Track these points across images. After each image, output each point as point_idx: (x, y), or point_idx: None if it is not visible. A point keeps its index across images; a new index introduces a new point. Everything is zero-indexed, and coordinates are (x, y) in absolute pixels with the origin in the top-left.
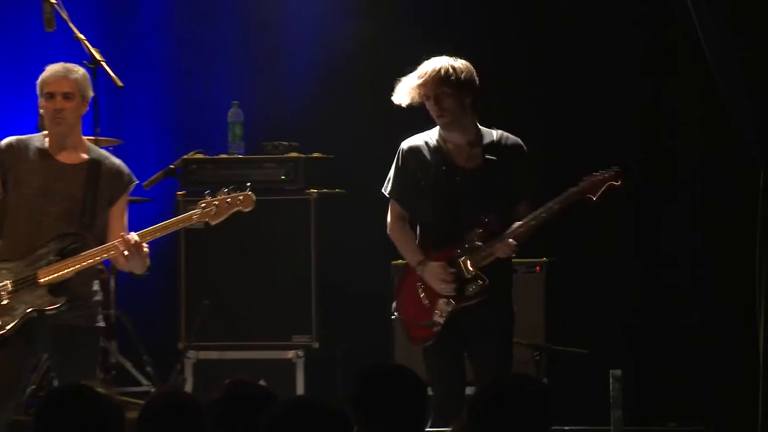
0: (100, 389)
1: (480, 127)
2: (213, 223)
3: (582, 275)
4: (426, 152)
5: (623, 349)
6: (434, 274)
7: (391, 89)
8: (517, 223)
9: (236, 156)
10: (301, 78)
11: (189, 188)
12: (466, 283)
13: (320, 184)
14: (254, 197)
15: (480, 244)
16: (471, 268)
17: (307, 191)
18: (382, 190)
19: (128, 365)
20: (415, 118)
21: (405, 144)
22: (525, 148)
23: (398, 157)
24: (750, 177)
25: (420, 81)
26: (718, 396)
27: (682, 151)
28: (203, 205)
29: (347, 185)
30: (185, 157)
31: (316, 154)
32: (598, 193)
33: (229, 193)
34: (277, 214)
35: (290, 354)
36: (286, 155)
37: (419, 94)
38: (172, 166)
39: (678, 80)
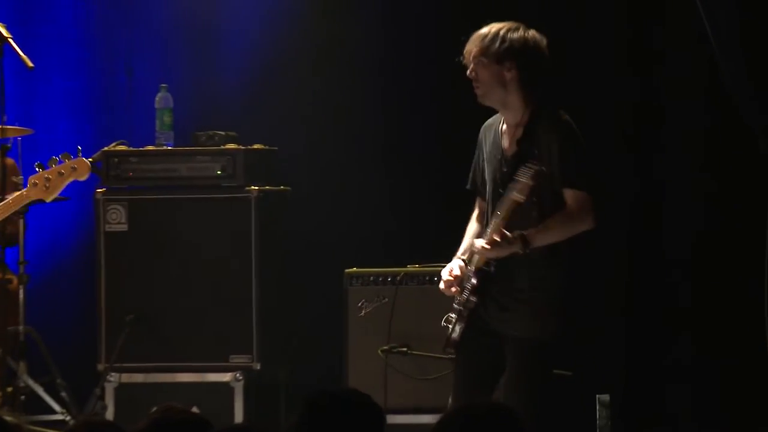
0: (6, 418)
1: (533, 106)
2: (48, 199)
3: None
4: (491, 133)
5: (613, 371)
6: (445, 272)
7: (343, 71)
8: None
9: (165, 148)
10: (240, 59)
11: (111, 185)
12: (465, 282)
13: (262, 181)
14: (89, 162)
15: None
16: (467, 267)
17: (247, 188)
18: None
19: (39, 390)
20: (371, 103)
21: (483, 127)
22: (565, 128)
23: (478, 141)
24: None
25: (466, 47)
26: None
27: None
28: (34, 181)
29: (293, 182)
30: (106, 149)
31: (257, 146)
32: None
33: (60, 163)
34: (212, 214)
35: (228, 377)
36: (222, 147)
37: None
38: (91, 159)
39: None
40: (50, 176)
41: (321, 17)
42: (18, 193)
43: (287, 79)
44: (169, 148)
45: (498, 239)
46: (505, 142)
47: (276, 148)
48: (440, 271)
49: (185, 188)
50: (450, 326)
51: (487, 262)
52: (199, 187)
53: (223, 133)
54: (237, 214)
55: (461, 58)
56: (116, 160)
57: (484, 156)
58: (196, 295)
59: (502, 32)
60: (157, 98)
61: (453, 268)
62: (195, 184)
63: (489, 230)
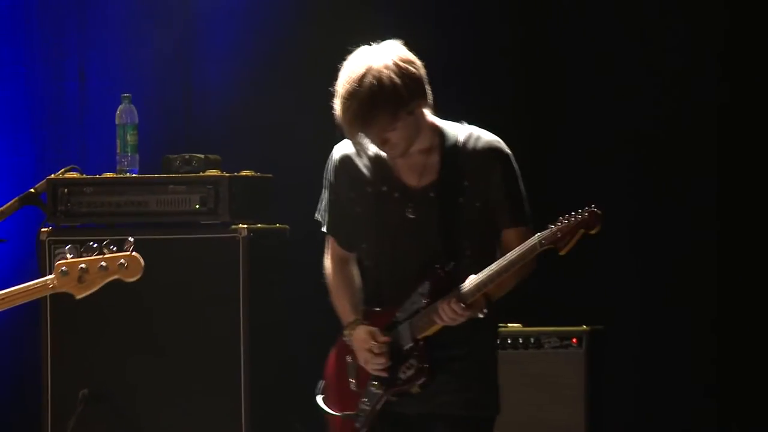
0: None
1: (440, 123)
2: (78, 296)
3: (639, 348)
4: (360, 164)
5: None
6: (361, 342)
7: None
8: (473, 277)
9: (128, 175)
10: (223, 63)
11: (59, 223)
12: (400, 361)
13: (253, 217)
14: (142, 262)
15: (425, 302)
16: (407, 340)
17: (234, 227)
18: (316, 216)
19: None
20: None
21: (336, 152)
22: (506, 151)
23: (328, 169)
24: None
25: (349, 128)
26: None
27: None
28: (63, 267)
29: (293, 218)
30: (52, 176)
31: (245, 173)
32: (568, 246)
33: (104, 252)
34: (189, 260)
35: None
36: (202, 174)
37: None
38: (32, 190)
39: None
40: (89, 267)
41: (326, 14)
42: (40, 282)
43: (282, 90)
44: (134, 175)
45: (471, 303)
46: (406, 175)
47: (270, 175)
48: None
49: (154, 227)
50: (360, 416)
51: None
52: (172, 225)
53: (202, 156)
54: (221, 260)
55: (358, 145)
56: (65, 190)
57: (350, 195)
58: (169, 365)
59: (388, 81)
60: (117, 111)
61: (367, 336)
62: (167, 221)
63: (462, 293)
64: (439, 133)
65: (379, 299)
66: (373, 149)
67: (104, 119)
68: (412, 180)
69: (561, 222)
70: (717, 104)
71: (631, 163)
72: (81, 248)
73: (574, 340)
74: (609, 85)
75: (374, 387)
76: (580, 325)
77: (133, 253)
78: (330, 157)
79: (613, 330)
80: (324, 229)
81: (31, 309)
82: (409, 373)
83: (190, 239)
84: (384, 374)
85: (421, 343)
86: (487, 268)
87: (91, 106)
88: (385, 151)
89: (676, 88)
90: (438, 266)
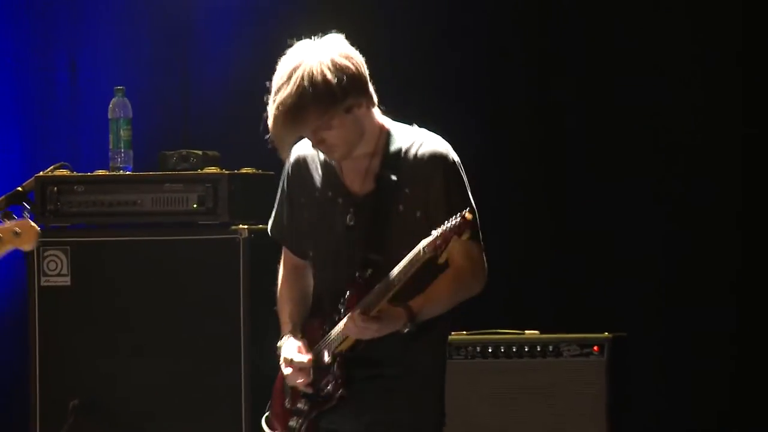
0: None
1: (390, 125)
2: None
3: (663, 356)
4: (312, 167)
5: None
6: (286, 353)
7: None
8: (377, 286)
9: (122, 173)
10: (221, 54)
11: (48, 224)
12: (320, 375)
13: (254, 217)
14: (37, 227)
15: (343, 313)
16: (327, 355)
17: (234, 227)
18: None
19: None
20: (390, 111)
21: (293, 153)
22: (450, 158)
23: (283, 174)
24: None
25: (277, 126)
26: None
27: None
28: None
29: None
30: (41, 174)
31: (246, 170)
32: (444, 255)
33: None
34: (186, 263)
35: None
36: (200, 171)
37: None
38: (20, 189)
39: None
40: None
41: (329, 5)
42: None
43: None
44: (128, 173)
45: (381, 315)
46: (350, 180)
47: (272, 173)
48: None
49: (150, 227)
50: None
51: (354, 345)
52: (168, 225)
53: (200, 152)
54: (220, 262)
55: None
56: (55, 189)
57: (301, 200)
58: (164, 373)
59: (319, 76)
60: (110, 105)
61: (293, 349)
62: (163, 221)
63: (366, 302)
64: (385, 135)
65: (321, 308)
66: (318, 166)
67: (96, 113)
68: (355, 185)
69: (440, 229)
70: (741, 107)
71: (652, 166)
72: None
73: (595, 347)
74: (628, 87)
75: (301, 404)
76: (602, 331)
77: (27, 219)
78: (287, 159)
79: (636, 337)
80: (275, 237)
81: (17, 311)
82: (328, 388)
83: (187, 240)
84: (309, 390)
85: (338, 358)
86: (381, 282)
87: (82, 99)
88: (323, 153)
89: (698, 92)
90: (358, 274)
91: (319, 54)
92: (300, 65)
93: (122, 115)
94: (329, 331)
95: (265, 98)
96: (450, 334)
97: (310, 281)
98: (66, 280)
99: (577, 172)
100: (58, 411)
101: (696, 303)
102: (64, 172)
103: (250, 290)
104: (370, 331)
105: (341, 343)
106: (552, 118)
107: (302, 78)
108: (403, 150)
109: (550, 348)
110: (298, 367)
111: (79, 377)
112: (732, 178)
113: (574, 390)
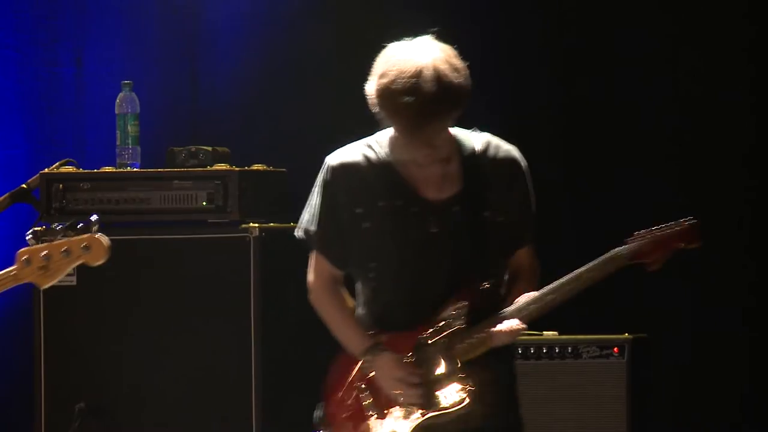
0: None
1: (454, 130)
2: (44, 286)
3: (685, 357)
4: (369, 174)
5: None
6: (388, 370)
7: (366, 67)
8: (527, 296)
9: (129, 170)
10: (233, 47)
11: (52, 221)
12: (435, 385)
13: (265, 215)
14: (107, 243)
15: (462, 325)
16: (446, 365)
17: (244, 225)
18: (296, 233)
19: None
20: None
21: (333, 159)
22: (525, 163)
23: (324, 181)
24: None
25: (407, 126)
26: None
27: None
28: (25, 256)
29: None
30: (45, 171)
31: (257, 167)
32: (661, 261)
33: (69, 234)
34: (196, 262)
35: None
36: (209, 168)
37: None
38: (24, 186)
39: None
40: (50, 254)
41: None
42: (2, 273)
43: (298, 77)
44: (135, 169)
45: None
46: (423, 187)
47: (284, 169)
48: None
49: (158, 225)
50: None
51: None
52: (177, 223)
53: (209, 148)
54: (230, 261)
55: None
56: (60, 186)
57: (355, 210)
58: (173, 376)
59: (453, 78)
60: (117, 100)
61: (394, 364)
62: (171, 219)
63: (533, 305)
64: (453, 140)
65: (392, 321)
66: (379, 158)
67: (103, 108)
68: (430, 192)
69: (646, 234)
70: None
71: (675, 165)
72: (42, 232)
73: (616, 349)
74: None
75: (406, 416)
76: (622, 332)
77: (97, 234)
78: (324, 167)
79: (657, 338)
80: (305, 239)
81: (22, 312)
82: (454, 398)
83: (196, 239)
84: (420, 401)
85: (464, 366)
86: (546, 289)
87: (88, 95)
88: (421, 158)
89: (732, 90)
90: (477, 285)
91: (447, 55)
92: (429, 67)
93: (129, 110)
94: (430, 341)
95: (374, 83)
96: None
97: (346, 292)
98: (72, 280)
99: (597, 169)
100: (63, 414)
101: (717, 304)
102: (70, 168)
103: (261, 290)
104: (517, 335)
105: (471, 351)
106: (574, 114)
107: (445, 76)
108: (479, 154)
109: (569, 349)
110: (415, 382)
111: (85, 379)
112: (755, 175)
113: (594, 392)
